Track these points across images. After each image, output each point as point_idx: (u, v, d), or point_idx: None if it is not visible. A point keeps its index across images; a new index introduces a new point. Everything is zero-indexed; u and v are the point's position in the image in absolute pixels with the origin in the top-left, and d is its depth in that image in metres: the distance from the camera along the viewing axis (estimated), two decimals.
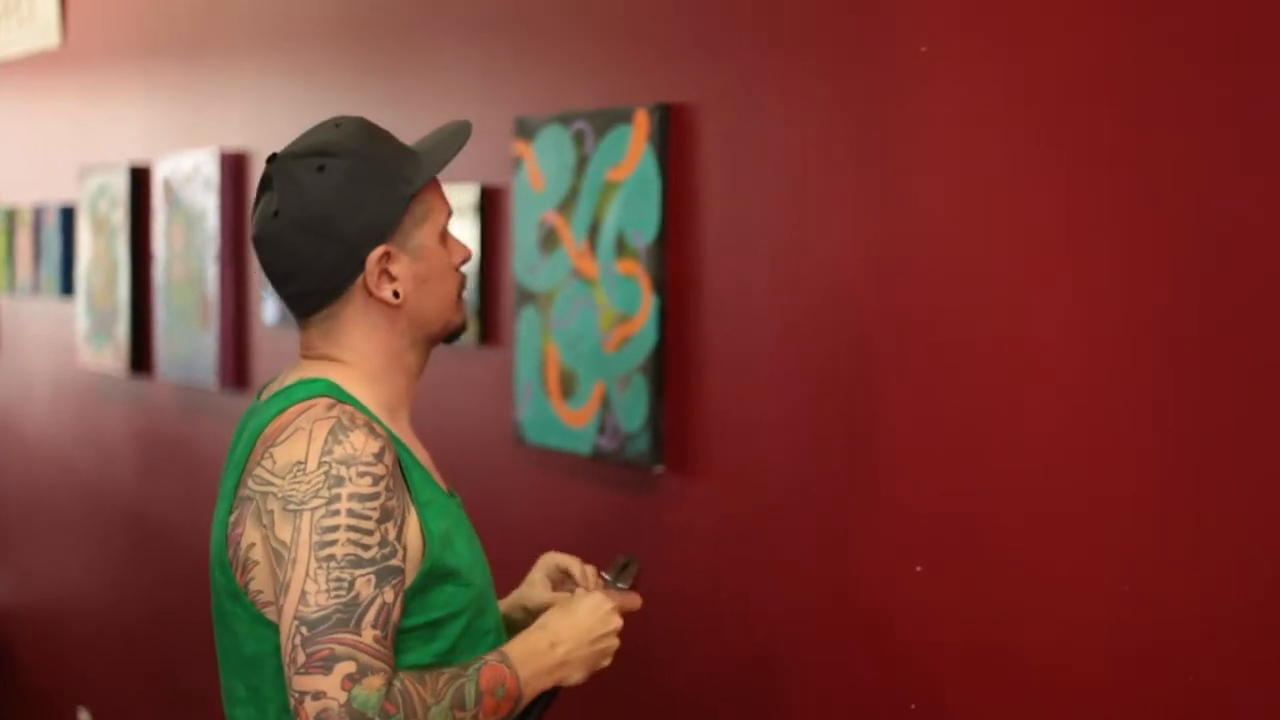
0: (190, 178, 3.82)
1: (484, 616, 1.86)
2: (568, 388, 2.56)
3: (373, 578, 1.68)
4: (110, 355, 4.27)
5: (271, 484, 1.73)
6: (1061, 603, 1.81)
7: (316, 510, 1.69)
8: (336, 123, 1.88)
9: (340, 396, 1.81)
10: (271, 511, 1.72)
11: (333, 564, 1.67)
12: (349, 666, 1.64)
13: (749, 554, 2.26)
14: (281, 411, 1.79)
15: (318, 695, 1.64)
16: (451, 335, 1.94)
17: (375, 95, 3.16)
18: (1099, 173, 1.75)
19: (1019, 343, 1.86)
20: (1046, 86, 1.81)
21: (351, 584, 1.67)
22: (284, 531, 1.70)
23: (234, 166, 3.67)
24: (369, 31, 3.20)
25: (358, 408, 1.80)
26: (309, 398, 1.79)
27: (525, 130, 2.64)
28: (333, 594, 1.66)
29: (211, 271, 3.72)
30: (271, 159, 1.86)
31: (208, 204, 3.72)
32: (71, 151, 4.67)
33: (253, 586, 1.76)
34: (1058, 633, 1.82)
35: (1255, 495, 1.61)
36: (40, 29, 4.83)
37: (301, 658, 1.65)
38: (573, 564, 2.02)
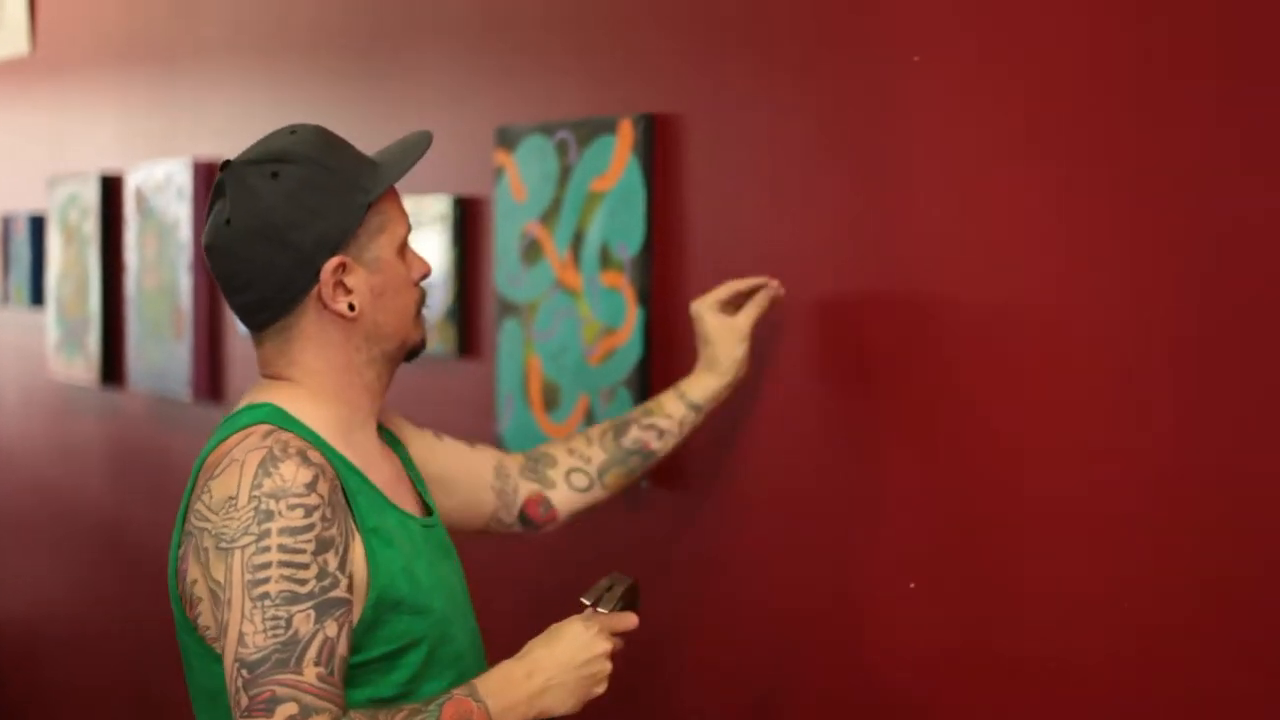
0: (163, 187, 3.77)
1: (450, 643, 1.82)
2: (550, 400, 2.53)
3: (311, 613, 1.63)
4: (81, 366, 4.22)
5: (207, 520, 1.68)
6: (1058, 620, 1.79)
7: (247, 548, 1.63)
8: (292, 130, 1.83)
9: (282, 422, 1.75)
10: (206, 549, 1.68)
11: (267, 602, 1.62)
12: (291, 709, 1.59)
13: (737, 570, 2.23)
14: (224, 439, 1.74)
15: None
16: (411, 353, 1.89)
17: (354, 104, 3.12)
18: (1099, 183, 1.73)
19: (1014, 357, 1.84)
20: (1041, 94, 1.79)
21: (289, 621, 1.61)
22: (218, 571, 1.66)
23: (208, 176, 3.63)
24: (347, 39, 3.17)
25: (301, 432, 1.75)
26: (251, 424, 1.74)
27: (507, 140, 2.61)
28: (270, 634, 1.61)
29: (185, 282, 3.68)
30: (224, 166, 1.81)
31: (181, 214, 3.68)
32: (41, 160, 4.62)
33: (201, 622, 1.72)
34: (1054, 651, 1.80)
35: (1259, 511, 1.60)
36: (9, 36, 4.78)
37: (245, 701, 1.60)
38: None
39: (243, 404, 1.82)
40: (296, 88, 3.36)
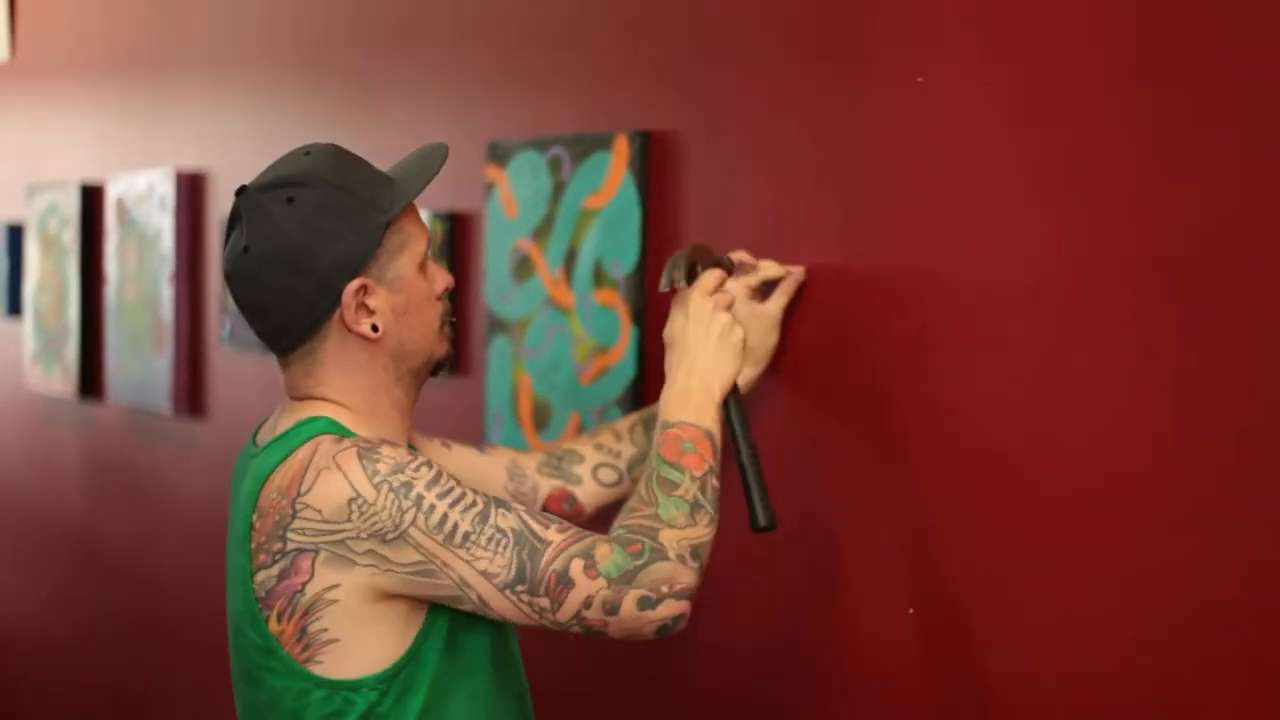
0: (144, 197, 3.73)
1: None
2: (541, 419, 2.50)
3: (503, 511, 1.70)
4: (59, 378, 4.17)
5: (336, 530, 1.68)
6: (1059, 647, 1.77)
7: (416, 520, 1.68)
8: (306, 151, 1.82)
9: (343, 432, 1.76)
10: (370, 551, 1.68)
11: (472, 538, 1.68)
12: (578, 564, 1.68)
13: (732, 595, 2.20)
14: (286, 458, 1.73)
15: (588, 603, 1.68)
16: (437, 367, 1.89)
17: (342, 116, 3.09)
18: (1107, 203, 1.72)
19: (1014, 382, 1.81)
20: (1048, 114, 1.77)
21: (499, 529, 1.69)
22: (407, 555, 1.68)
23: (190, 187, 3.59)
24: (335, 51, 3.13)
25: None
26: (310, 438, 1.74)
27: (499, 155, 2.58)
28: (499, 550, 1.68)
29: (166, 293, 3.63)
30: (240, 192, 1.80)
31: (163, 225, 3.64)
32: (20, 168, 4.57)
33: (314, 627, 1.71)
34: (1055, 679, 1.78)
35: (1262, 522, 1.58)
36: None
37: (545, 602, 1.68)
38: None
39: (288, 424, 1.80)
40: (283, 101, 3.32)
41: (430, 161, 1.84)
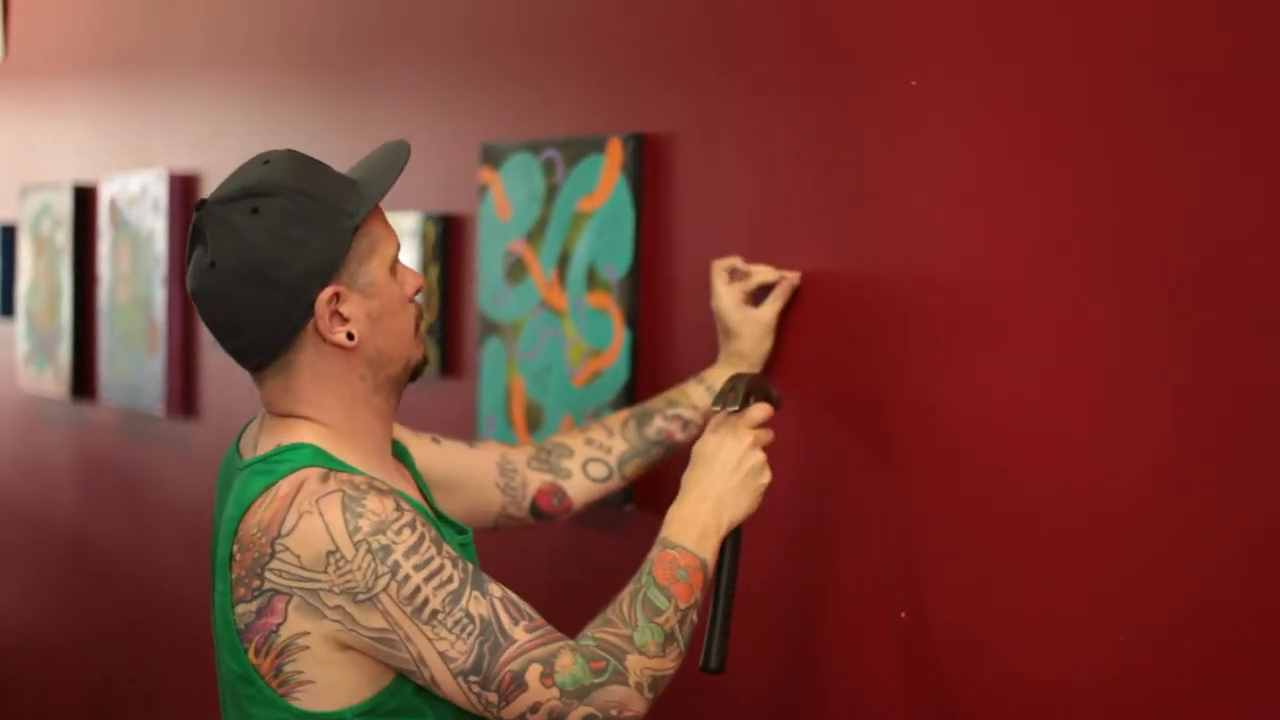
0: (137, 199, 3.73)
1: None
2: (534, 421, 2.49)
3: (476, 594, 1.67)
4: (51, 379, 4.17)
5: (312, 579, 1.65)
6: (1054, 649, 1.77)
7: (389, 588, 1.64)
8: (265, 159, 1.76)
9: (328, 463, 1.71)
10: (339, 607, 1.65)
11: (439, 616, 1.65)
12: (535, 669, 1.66)
13: None
14: (268, 487, 1.69)
15: (535, 708, 1.66)
16: (415, 372, 1.85)
17: (335, 118, 3.09)
18: (1103, 205, 1.71)
19: (1010, 385, 1.81)
20: (1042, 117, 1.77)
21: (468, 614, 1.66)
22: (373, 620, 1.65)
23: (184, 188, 3.59)
24: (327, 53, 3.13)
25: (348, 470, 1.71)
26: (294, 469, 1.70)
27: (492, 157, 2.58)
28: (464, 636, 1.65)
29: (159, 295, 3.63)
30: (200, 205, 1.74)
31: (156, 226, 3.64)
32: (13, 169, 4.57)
33: (289, 668, 1.68)
34: (1050, 681, 1.78)
35: (1260, 523, 1.58)
36: None
37: (494, 698, 1.66)
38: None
39: (269, 446, 1.76)
40: (275, 102, 3.32)
41: (393, 161, 1.79)
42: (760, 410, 1.90)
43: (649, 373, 2.30)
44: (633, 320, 2.31)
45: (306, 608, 1.65)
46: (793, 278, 2.06)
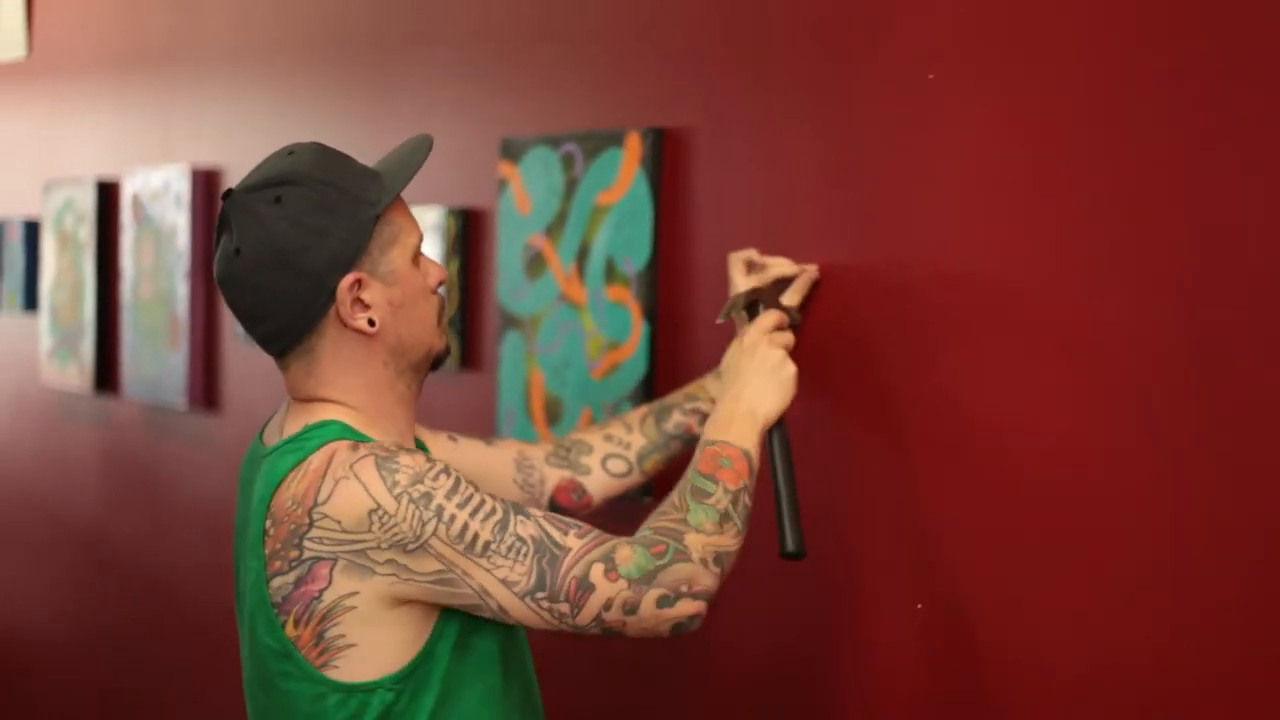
0: (160, 194, 3.74)
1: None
2: (553, 415, 2.50)
3: (520, 518, 1.71)
4: (75, 373, 4.19)
5: (356, 540, 1.68)
6: (1071, 641, 1.77)
7: (437, 531, 1.69)
8: (290, 150, 1.82)
9: (356, 436, 1.76)
10: (390, 560, 1.68)
11: (492, 547, 1.69)
12: (598, 569, 1.70)
13: (739, 590, 2.20)
14: (299, 463, 1.73)
15: (608, 605, 1.70)
16: (436, 361, 1.88)
17: (357, 114, 3.10)
18: (1117, 200, 1.72)
19: (1025, 374, 1.82)
20: (1059, 111, 1.77)
21: (520, 539, 1.70)
22: (427, 565, 1.69)
23: (206, 183, 3.60)
24: (349, 47, 3.14)
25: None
26: (323, 443, 1.74)
27: (511, 151, 2.59)
28: (519, 558, 1.69)
29: (182, 290, 3.65)
30: (226, 195, 1.79)
31: (178, 221, 3.65)
32: (37, 165, 4.58)
33: (331, 633, 1.71)
34: (1065, 673, 1.78)
35: (1267, 520, 1.58)
36: (6, 39, 4.75)
37: (565, 608, 1.70)
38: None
39: (297, 427, 1.80)
40: (298, 98, 3.33)
41: (415, 153, 1.84)
42: (768, 317, 1.97)
43: (667, 365, 2.31)
44: (651, 313, 2.31)
45: (354, 568, 1.69)
46: (812, 270, 2.06)
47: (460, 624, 1.78)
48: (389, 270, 1.79)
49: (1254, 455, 1.59)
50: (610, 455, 2.14)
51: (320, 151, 1.81)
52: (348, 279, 1.76)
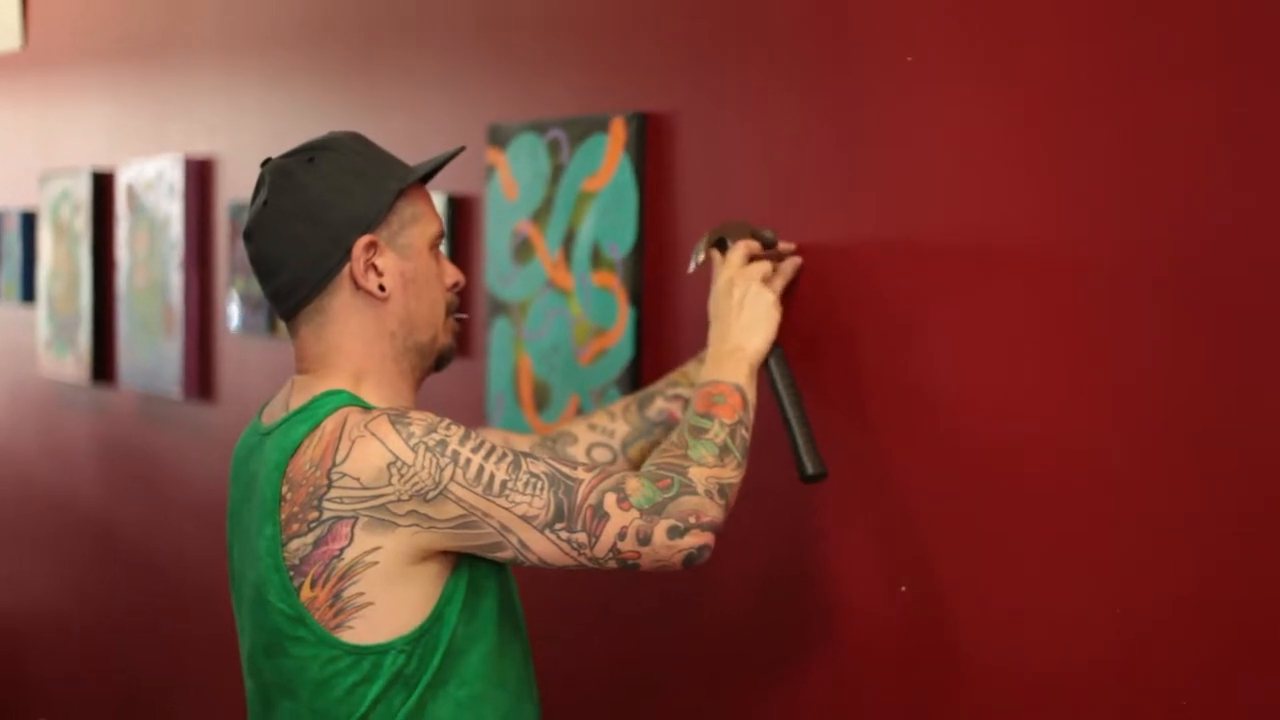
0: (154, 184, 3.75)
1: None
2: (541, 400, 2.51)
3: (531, 459, 1.77)
4: (72, 363, 4.20)
5: (376, 494, 1.73)
6: (1052, 624, 1.78)
7: (455, 475, 1.73)
8: (330, 132, 1.92)
9: (365, 405, 1.81)
10: (412, 511, 1.73)
11: (509, 485, 1.74)
12: (611, 497, 1.74)
13: (728, 574, 2.22)
14: (313, 429, 1.78)
15: (622, 533, 1.73)
16: (440, 359, 1.94)
17: (346, 101, 3.11)
18: (1095, 182, 1.72)
19: (1010, 356, 1.82)
20: (1037, 94, 1.78)
21: (534, 475, 1.75)
22: (448, 510, 1.74)
23: (199, 173, 3.61)
24: (339, 37, 3.15)
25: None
26: (334, 410, 1.79)
27: (498, 138, 2.60)
28: (537, 493, 1.74)
29: (176, 279, 3.66)
30: (265, 162, 1.89)
31: (172, 211, 3.66)
32: (33, 156, 4.60)
33: (349, 591, 1.75)
34: (1048, 656, 1.79)
35: (1255, 515, 1.59)
36: (2, 32, 4.76)
37: (585, 538, 1.74)
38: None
39: (304, 399, 1.84)
40: (289, 85, 3.34)
41: (445, 153, 1.93)
42: (736, 252, 1.99)
43: (653, 350, 2.32)
44: (637, 298, 2.32)
45: (375, 524, 1.74)
46: (795, 259, 2.07)
47: (467, 588, 1.82)
48: (406, 244, 1.86)
49: (1235, 446, 1.60)
50: (595, 444, 2.17)
51: (357, 135, 1.91)
52: (364, 239, 1.83)
